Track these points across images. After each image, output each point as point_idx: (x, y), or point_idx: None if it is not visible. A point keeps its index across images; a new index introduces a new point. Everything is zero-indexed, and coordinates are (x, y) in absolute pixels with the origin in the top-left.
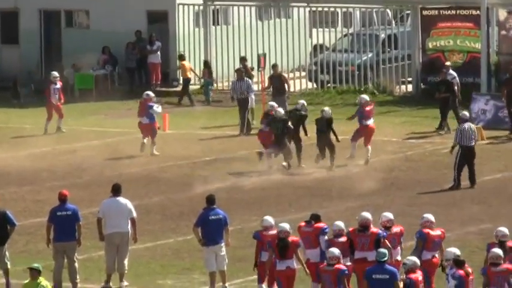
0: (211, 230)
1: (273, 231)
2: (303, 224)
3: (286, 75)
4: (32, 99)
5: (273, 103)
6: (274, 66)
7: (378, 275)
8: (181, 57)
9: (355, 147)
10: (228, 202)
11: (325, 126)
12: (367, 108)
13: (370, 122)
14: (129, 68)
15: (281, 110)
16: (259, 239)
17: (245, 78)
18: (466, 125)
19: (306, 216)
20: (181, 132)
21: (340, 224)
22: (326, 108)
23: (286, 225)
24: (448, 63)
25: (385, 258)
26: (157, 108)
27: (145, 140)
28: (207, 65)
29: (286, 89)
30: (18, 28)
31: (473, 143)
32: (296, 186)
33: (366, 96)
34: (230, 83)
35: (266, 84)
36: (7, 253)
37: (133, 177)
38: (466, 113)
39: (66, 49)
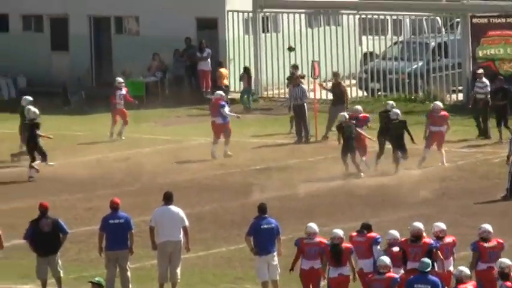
0: (263, 239)
1: (317, 239)
2: (354, 234)
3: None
4: (83, 106)
5: (359, 106)
6: (335, 75)
7: (420, 285)
8: (220, 64)
9: (428, 153)
10: (280, 211)
11: (401, 128)
12: (440, 114)
13: (443, 129)
14: (177, 75)
15: (345, 114)
16: (298, 246)
17: (300, 84)
18: None
19: (358, 225)
20: (233, 140)
21: (394, 233)
22: (398, 111)
23: (339, 232)
24: (480, 70)
25: (428, 269)
26: (228, 110)
27: (216, 143)
28: (247, 71)
29: (345, 99)
30: (68, 34)
31: None
32: (349, 194)
33: (439, 103)
34: (286, 90)
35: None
36: (59, 261)
37: (185, 185)
38: None
39: (116, 55)
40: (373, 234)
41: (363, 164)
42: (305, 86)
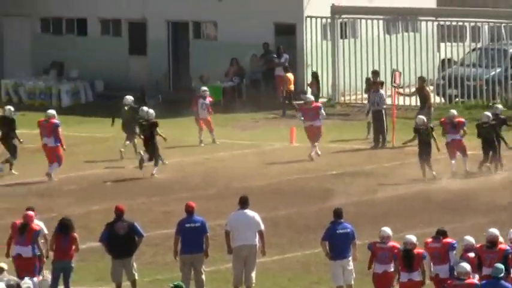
0: (338, 243)
1: (390, 243)
2: (430, 240)
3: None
4: (160, 110)
5: (454, 111)
6: (421, 79)
7: None
8: (286, 69)
9: None
10: (356, 216)
11: (492, 131)
12: None
13: None
14: (254, 80)
15: (424, 118)
16: (372, 250)
17: (379, 90)
18: None
19: (435, 231)
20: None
21: (470, 238)
22: (489, 114)
23: (412, 237)
24: None
25: (501, 274)
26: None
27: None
28: (315, 76)
29: (429, 103)
30: (146, 39)
31: None
32: (426, 200)
33: None
34: (364, 96)
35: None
36: (135, 264)
37: (261, 190)
38: None
39: (194, 60)
40: (448, 239)
41: (455, 165)
42: (383, 92)
